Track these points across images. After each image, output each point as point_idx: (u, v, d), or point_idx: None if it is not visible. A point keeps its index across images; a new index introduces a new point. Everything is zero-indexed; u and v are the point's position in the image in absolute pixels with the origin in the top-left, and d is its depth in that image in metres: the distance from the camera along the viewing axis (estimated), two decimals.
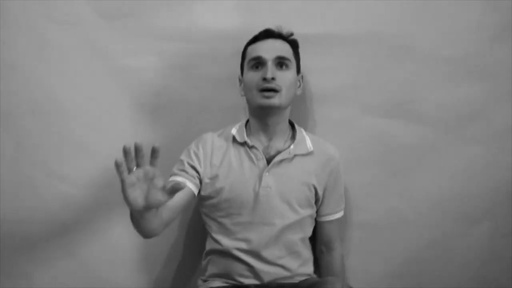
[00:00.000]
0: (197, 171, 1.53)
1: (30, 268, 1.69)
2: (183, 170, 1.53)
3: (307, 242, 1.62)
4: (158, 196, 1.16)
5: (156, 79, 1.72)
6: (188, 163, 1.54)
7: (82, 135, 1.70)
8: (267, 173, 1.52)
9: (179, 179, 1.49)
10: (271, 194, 1.51)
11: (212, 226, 1.56)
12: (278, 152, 1.55)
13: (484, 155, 1.74)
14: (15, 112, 1.68)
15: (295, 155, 1.55)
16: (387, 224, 1.74)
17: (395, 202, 1.74)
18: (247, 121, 1.62)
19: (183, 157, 1.56)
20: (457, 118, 1.74)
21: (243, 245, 1.51)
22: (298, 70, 1.61)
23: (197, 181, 1.53)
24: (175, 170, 1.55)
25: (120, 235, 1.71)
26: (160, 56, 1.71)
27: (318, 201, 1.60)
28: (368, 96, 1.73)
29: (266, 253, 1.52)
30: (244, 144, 1.55)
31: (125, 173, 1.14)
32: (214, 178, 1.53)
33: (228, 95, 1.70)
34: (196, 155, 1.55)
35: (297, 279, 1.54)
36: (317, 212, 1.62)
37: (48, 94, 1.69)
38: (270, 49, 1.54)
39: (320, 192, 1.58)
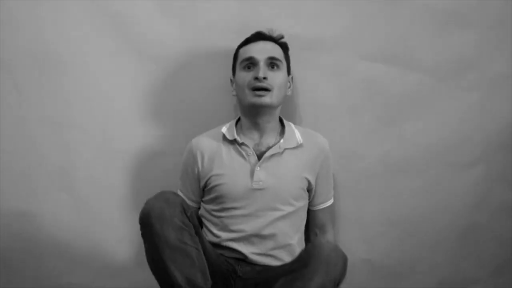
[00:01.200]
0: (195, 185, 1.63)
1: (35, 208, 1.76)
2: (185, 189, 1.65)
3: (302, 238, 1.65)
4: None
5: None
6: (186, 182, 1.64)
7: (79, 82, 1.74)
8: (258, 168, 1.56)
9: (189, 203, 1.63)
10: (263, 188, 1.55)
11: (207, 220, 1.60)
12: (269, 148, 1.59)
13: (478, 103, 1.76)
14: (13, 57, 1.72)
15: (285, 149, 1.58)
16: (380, 170, 1.76)
17: (388, 149, 1.76)
18: (238, 120, 1.66)
19: (181, 176, 1.66)
20: (451, 66, 1.75)
21: (237, 237, 1.55)
22: (289, 72, 1.66)
23: (198, 196, 1.65)
24: (180, 186, 1.66)
25: (118, 181, 1.77)
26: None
27: (310, 192, 1.63)
28: (363, 44, 1.74)
29: (259, 244, 1.55)
30: (234, 141, 1.60)
31: None
32: (208, 178, 1.59)
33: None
34: (189, 171, 1.63)
35: None
36: (309, 202, 1.66)
37: (45, 40, 1.72)
38: (262, 50, 1.59)
39: (312, 183, 1.62)
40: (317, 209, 1.67)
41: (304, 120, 1.76)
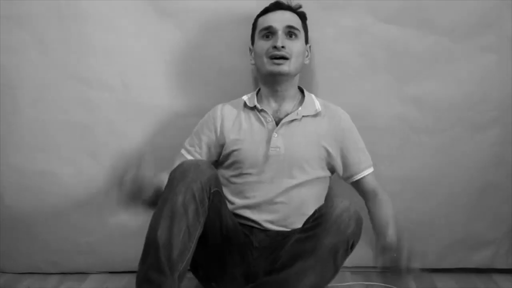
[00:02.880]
0: (207, 143, 1.63)
1: (55, 166, 1.78)
2: (193, 146, 1.64)
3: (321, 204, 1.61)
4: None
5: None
6: (199, 138, 1.64)
7: (103, 39, 1.75)
8: (275, 134, 1.57)
9: (188, 157, 1.63)
10: (280, 154, 1.56)
11: (224, 186, 1.60)
12: (288, 115, 1.60)
13: (496, 64, 1.75)
14: (35, 13, 1.73)
15: (303, 116, 1.60)
16: (397, 130, 1.78)
17: (403, 108, 1.77)
18: (259, 90, 1.68)
19: (195, 131, 1.66)
20: (469, 27, 1.74)
21: (251, 203, 1.56)
22: (306, 41, 1.66)
23: (203, 156, 1.63)
24: (186, 145, 1.65)
25: (139, 137, 1.78)
26: None
27: (332, 162, 1.62)
28: (380, 5, 1.74)
29: (273, 212, 1.56)
30: (254, 108, 1.62)
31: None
32: (225, 142, 1.60)
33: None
34: (205, 131, 1.63)
35: None
36: (344, 175, 1.64)
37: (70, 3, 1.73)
38: (280, 20, 1.60)
39: (334, 154, 1.61)
40: (354, 180, 1.64)
41: (320, 80, 1.76)
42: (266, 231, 1.57)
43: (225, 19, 1.76)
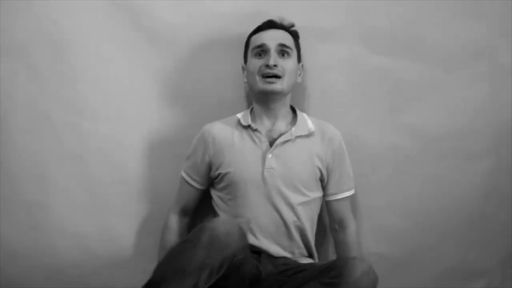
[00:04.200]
0: (202, 170, 1.63)
1: (46, 197, 1.76)
2: (191, 170, 1.65)
3: (313, 230, 1.65)
4: None
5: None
6: (194, 163, 1.64)
7: (97, 69, 1.76)
8: (270, 155, 1.57)
9: (188, 180, 1.66)
10: (274, 175, 1.56)
11: (220, 208, 1.62)
12: (281, 135, 1.60)
13: (489, 93, 1.76)
14: (28, 44, 1.73)
15: (296, 137, 1.59)
16: (389, 160, 1.77)
17: (396, 138, 1.76)
18: (252, 108, 1.68)
19: (190, 154, 1.66)
20: (462, 56, 1.75)
21: (248, 226, 1.54)
22: (299, 59, 1.67)
23: (204, 179, 1.65)
24: (186, 169, 1.67)
25: (131, 167, 1.78)
26: None
27: (323, 181, 1.64)
28: (372, 34, 1.75)
29: (270, 234, 1.56)
30: (248, 127, 1.61)
31: None
32: (219, 164, 1.60)
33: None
34: (199, 154, 1.63)
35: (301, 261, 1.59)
36: (324, 193, 1.66)
37: (62, 28, 1.73)
38: (273, 38, 1.61)
39: (324, 173, 1.62)
40: (331, 199, 1.66)
41: (313, 109, 1.76)
42: (272, 259, 1.55)
43: (215, 44, 1.77)
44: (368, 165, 1.76)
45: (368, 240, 1.76)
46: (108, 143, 1.77)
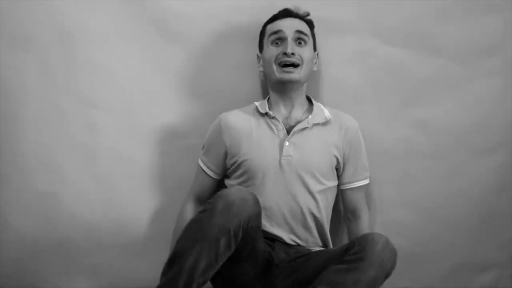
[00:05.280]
0: (218, 158, 1.64)
1: (57, 188, 1.77)
2: (207, 159, 1.66)
3: (329, 214, 1.65)
4: None
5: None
6: (210, 151, 1.65)
7: (108, 61, 1.76)
8: (287, 143, 1.57)
9: (204, 169, 1.67)
10: (292, 163, 1.56)
11: None
12: (298, 123, 1.60)
13: (501, 88, 1.76)
14: (39, 37, 1.73)
15: (313, 125, 1.60)
16: (400, 153, 1.77)
17: (408, 132, 1.77)
18: (268, 98, 1.68)
19: (205, 144, 1.67)
20: (474, 51, 1.75)
21: (265, 214, 1.54)
22: (315, 48, 1.68)
23: (219, 168, 1.65)
24: (202, 156, 1.67)
25: (142, 160, 1.78)
26: None
27: (339, 170, 1.64)
28: (386, 28, 1.75)
29: (287, 222, 1.56)
30: (265, 115, 1.61)
31: None
32: (236, 152, 1.60)
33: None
34: (215, 143, 1.64)
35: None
36: (339, 180, 1.66)
37: (74, 20, 1.74)
38: (289, 26, 1.62)
39: (341, 161, 1.62)
40: (345, 188, 1.66)
41: (326, 101, 1.75)
42: (286, 247, 1.56)
43: (229, 40, 1.77)
44: (380, 159, 1.75)
45: (380, 232, 1.76)
46: (119, 135, 1.78)
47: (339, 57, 1.76)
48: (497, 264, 1.81)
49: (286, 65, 1.58)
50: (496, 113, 1.76)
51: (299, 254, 1.55)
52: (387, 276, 1.36)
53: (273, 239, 1.57)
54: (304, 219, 1.58)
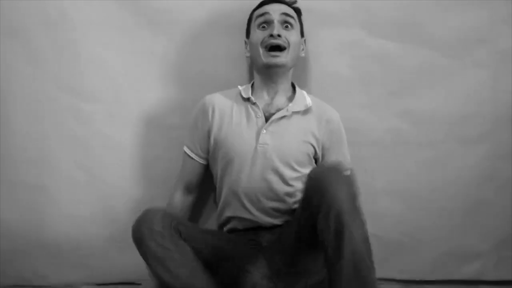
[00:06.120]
0: (203, 141, 1.64)
1: (46, 180, 1.76)
2: (192, 144, 1.66)
3: None
4: None
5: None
6: (195, 133, 1.65)
7: (96, 51, 1.75)
8: (264, 131, 1.57)
9: (191, 154, 1.66)
10: (268, 151, 1.56)
11: (218, 184, 1.63)
12: (278, 110, 1.60)
13: (488, 79, 1.78)
14: (30, 26, 1.72)
15: (293, 113, 1.59)
16: (388, 143, 1.79)
17: (396, 122, 1.78)
18: (253, 83, 1.68)
19: (190, 127, 1.66)
20: (462, 42, 1.77)
21: (243, 200, 1.56)
22: (302, 34, 1.67)
23: (205, 151, 1.65)
24: (187, 142, 1.67)
25: (131, 151, 1.78)
26: None
27: (317, 160, 1.64)
28: (374, 19, 1.76)
29: (263, 207, 1.56)
30: (247, 100, 1.61)
31: None
32: (217, 134, 1.60)
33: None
34: (199, 126, 1.64)
35: None
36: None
37: (61, 10, 1.72)
38: (276, 9, 1.62)
39: (318, 152, 1.62)
40: None
41: (315, 92, 1.75)
42: (270, 229, 1.57)
43: (217, 30, 1.77)
44: (368, 148, 1.77)
45: (368, 221, 1.77)
46: (107, 125, 1.77)
47: (328, 48, 1.76)
48: (482, 253, 1.84)
49: (272, 49, 1.57)
50: (482, 104, 1.78)
51: (283, 229, 1.55)
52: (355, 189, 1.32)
53: (255, 228, 1.57)
54: (281, 204, 1.57)
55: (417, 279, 1.83)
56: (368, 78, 1.77)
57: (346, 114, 1.71)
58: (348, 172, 1.61)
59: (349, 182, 1.32)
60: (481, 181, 1.80)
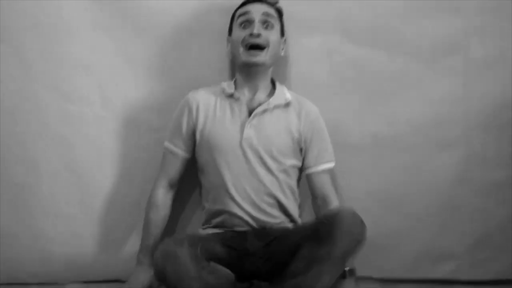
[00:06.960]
0: (187, 136, 1.69)
1: (33, 179, 1.80)
2: (176, 139, 1.69)
3: (296, 201, 1.71)
4: None
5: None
6: (178, 132, 1.69)
7: (82, 53, 1.80)
8: (248, 125, 1.63)
9: (174, 149, 1.70)
10: (253, 144, 1.62)
11: (204, 181, 1.69)
12: (260, 105, 1.66)
13: (462, 86, 1.84)
14: (17, 27, 1.77)
15: (274, 106, 1.66)
16: (366, 146, 1.84)
17: (373, 127, 1.84)
18: (235, 80, 1.73)
19: (172, 123, 1.71)
20: (436, 50, 1.83)
21: (230, 195, 1.62)
22: (282, 34, 1.73)
23: (188, 145, 1.69)
24: (169, 138, 1.71)
25: (116, 151, 1.83)
26: None
27: (301, 152, 1.70)
28: (352, 26, 1.82)
29: (251, 201, 1.62)
30: (231, 96, 1.67)
31: None
32: (201, 134, 1.66)
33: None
34: (183, 121, 1.69)
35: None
36: (303, 165, 1.71)
37: (48, 12, 1.78)
38: (257, 9, 1.68)
39: (302, 144, 1.69)
40: (310, 172, 1.71)
41: None
42: (258, 234, 1.61)
43: (200, 32, 1.83)
44: (347, 151, 1.82)
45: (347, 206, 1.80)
46: (93, 126, 1.82)
47: (307, 54, 1.82)
48: (456, 254, 1.88)
49: (252, 47, 1.63)
50: (457, 110, 1.84)
51: (271, 237, 1.60)
52: (359, 245, 1.46)
53: (243, 231, 1.62)
54: (269, 196, 1.63)
55: (394, 278, 1.88)
56: (347, 84, 1.83)
57: (325, 118, 1.77)
58: (332, 164, 1.73)
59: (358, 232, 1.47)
60: (454, 184, 1.85)
